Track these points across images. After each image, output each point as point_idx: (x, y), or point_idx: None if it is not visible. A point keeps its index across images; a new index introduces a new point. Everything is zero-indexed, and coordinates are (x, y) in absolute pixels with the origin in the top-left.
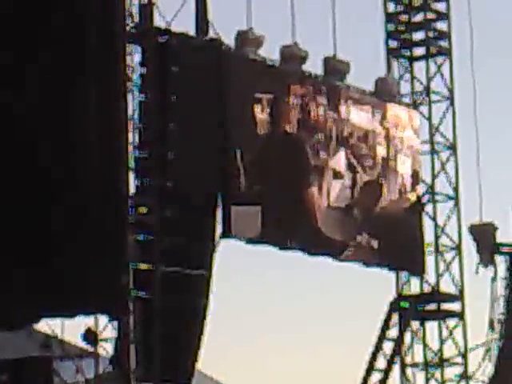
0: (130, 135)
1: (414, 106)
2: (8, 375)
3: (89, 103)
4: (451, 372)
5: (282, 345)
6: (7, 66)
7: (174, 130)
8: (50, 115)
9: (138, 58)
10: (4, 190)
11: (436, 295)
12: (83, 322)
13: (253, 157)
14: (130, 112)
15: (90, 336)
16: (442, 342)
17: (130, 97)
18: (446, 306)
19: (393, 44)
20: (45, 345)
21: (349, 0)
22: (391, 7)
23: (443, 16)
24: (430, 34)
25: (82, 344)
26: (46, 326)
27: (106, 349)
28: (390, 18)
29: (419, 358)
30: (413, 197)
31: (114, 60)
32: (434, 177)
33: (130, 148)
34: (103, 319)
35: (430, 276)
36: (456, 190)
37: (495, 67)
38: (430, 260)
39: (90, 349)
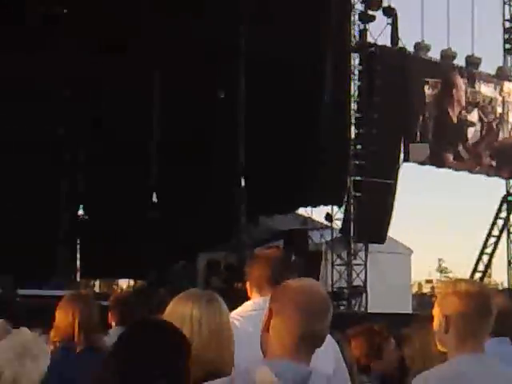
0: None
1: None
2: (284, 241)
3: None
4: None
5: None
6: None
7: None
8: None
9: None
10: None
11: None
12: (324, 209)
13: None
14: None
15: (328, 217)
16: None
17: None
18: None
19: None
20: (303, 222)
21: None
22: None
23: None
24: None
25: (324, 221)
26: (304, 212)
27: (337, 224)
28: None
29: None
30: None
31: (343, 76)
32: None
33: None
34: (335, 208)
35: None
36: None
37: None
38: None
39: (329, 224)
